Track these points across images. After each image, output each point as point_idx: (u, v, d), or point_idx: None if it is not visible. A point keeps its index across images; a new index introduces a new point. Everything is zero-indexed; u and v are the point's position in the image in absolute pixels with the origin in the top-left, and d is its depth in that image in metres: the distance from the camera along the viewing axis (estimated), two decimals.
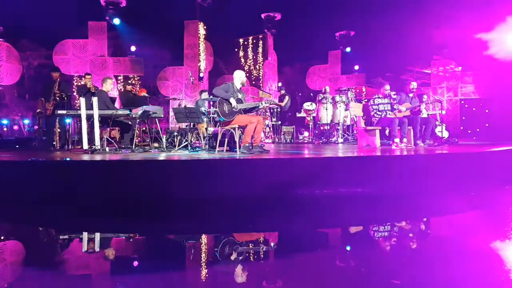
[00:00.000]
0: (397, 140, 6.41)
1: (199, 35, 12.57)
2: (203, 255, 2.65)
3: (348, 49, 15.00)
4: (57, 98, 7.02)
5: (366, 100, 9.81)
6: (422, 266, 2.36)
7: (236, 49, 16.53)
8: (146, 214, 3.77)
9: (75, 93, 10.42)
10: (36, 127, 8.51)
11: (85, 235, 3.24)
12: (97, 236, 3.24)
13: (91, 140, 5.73)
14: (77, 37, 11.77)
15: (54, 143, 6.88)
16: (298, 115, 10.55)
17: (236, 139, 5.51)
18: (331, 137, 9.37)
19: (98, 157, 4.89)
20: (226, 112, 5.45)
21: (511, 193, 4.82)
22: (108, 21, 12.04)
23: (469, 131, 13.40)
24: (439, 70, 13.57)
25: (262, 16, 14.82)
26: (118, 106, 8.17)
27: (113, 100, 7.59)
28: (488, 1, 10.99)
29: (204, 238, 3.15)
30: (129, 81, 13.82)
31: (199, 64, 12.51)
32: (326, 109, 9.35)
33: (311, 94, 11.17)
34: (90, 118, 5.82)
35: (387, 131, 7.14)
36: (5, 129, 23.09)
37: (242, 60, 16.27)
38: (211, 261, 2.52)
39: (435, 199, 4.32)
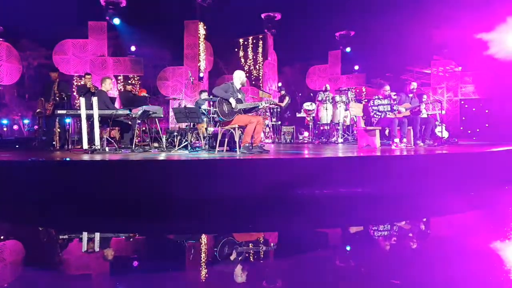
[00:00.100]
0: (397, 140, 6.41)
1: (199, 35, 12.58)
2: (203, 255, 2.64)
3: (348, 49, 15.00)
4: (57, 98, 7.02)
5: (366, 100, 9.82)
6: (422, 266, 2.36)
7: (236, 49, 16.54)
8: (146, 214, 3.77)
9: (75, 93, 10.42)
10: (36, 127, 8.52)
11: (85, 235, 3.24)
12: (97, 236, 3.23)
13: (91, 140, 5.73)
14: (77, 37, 11.77)
15: (54, 143, 6.88)
16: (298, 115, 10.54)
17: (236, 139, 5.51)
18: (331, 137, 9.37)
19: (98, 157, 4.89)
20: (226, 112, 5.45)
21: (511, 193, 4.82)
22: (108, 21, 12.04)
23: (469, 131, 13.40)
24: (439, 70, 13.58)
25: (262, 16, 14.81)
26: (118, 106, 8.17)
27: (113, 100, 7.59)
28: (488, 1, 11.00)
29: (204, 238, 3.15)
30: (129, 81, 13.81)
31: (199, 64, 12.51)
32: (326, 109, 9.35)
33: (311, 94, 11.17)
34: (90, 118, 5.82)
35: (387, 131, 7.14)
36: (5, 129, 23.09)
37: (242, 60, 16.28)
38: (211, 261, 2.52)
39: (435, 199, 4.31)
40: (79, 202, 3.98)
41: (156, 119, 6.65)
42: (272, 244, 3.04)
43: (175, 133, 7.18)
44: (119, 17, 12.23)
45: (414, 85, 7.01)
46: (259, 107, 6.10)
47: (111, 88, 7.31)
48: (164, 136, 6.92)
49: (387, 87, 6.79)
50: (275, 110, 10.38)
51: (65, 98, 7.09)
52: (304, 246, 2.82)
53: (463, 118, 13.68)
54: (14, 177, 4.19)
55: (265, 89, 13.79)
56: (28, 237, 3.19)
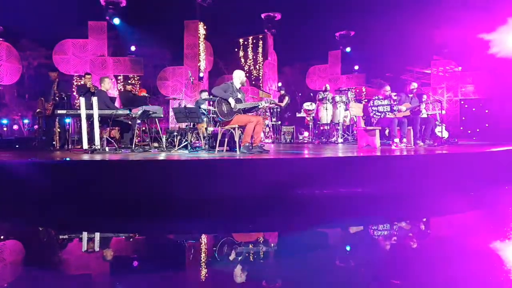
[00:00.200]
0: (397, 140, 6.40)
1: (199, 35, 12.57)
2: (202, 255, 2.64)
3: (348, 49, 15.00)
4: (57, 98, 7.02)
5: (366, 100, 9.82)
6: (422, 266, 2.35)
7: (236, 49, 16.54)
8: (146, 214, 3.77)
9: (74, 93, 10.42)
10: (36, 127, 8.51)
11: (85, 234, 3.24)
12: (97, 236, 3.23)
13: (91, 140, 5.73)
14: (77, 37, 11.76)
15: (54, 143, 6.88)
16: (298, 115, 10.54)
17: (236, 139, 5.50)
18: (331, 137, 9.37)
19: (98, 157, 4.89)
20: (225, 112, 5.45)
21: (511, 193, 4.82)
22: (108, 21, 12.04)
23: (469, 131, 13.40)
24: (439, 70, 13.57)
25: (262, 16, 14.81)
26: (118, 106, 8.17)
27: (113, 99, 7.59)
28: (488, 2, 11.00)
29: (204, 238, 3.15)
30: (129, 81, 13.81)
31: (199, 64, 12.51)
32: (326, 109, 9.35)
33: (311, 94, 11.17)
34: (90, 118, 5.82)
35: (387, 131, 7.14)
36: (5, 128, 23.08)
37: (242, 60, 16.28)
38: (211, 261, 2.52)
39: (435, 199, 4.31)
40: (79, 202, 3.97)
41: (156, 119, 6.65)
42: (272, 244, 3.04)
43: (175, 133, 7.18)
44: (119, 17, 12.23)
45: (414, 85, 7.01)
46: (259, 106, 6.10)
47: (110, 87, 7.31)
48: (164, 136, 6.92)
49: (388, 87, 6.79)
50: (275, 110, 10.38)
51: (65, 98, 7.09)
52: (304, 246, 2.82)
53: (463, 118, 13.67)
54: (13, 177, 4.19)
55: (265, 89, 13.79)
56: (27, 237, 3.18)
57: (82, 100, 5.75)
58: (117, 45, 13.61)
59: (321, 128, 9.84)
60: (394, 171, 4.59)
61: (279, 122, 10.39)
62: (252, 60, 16.01)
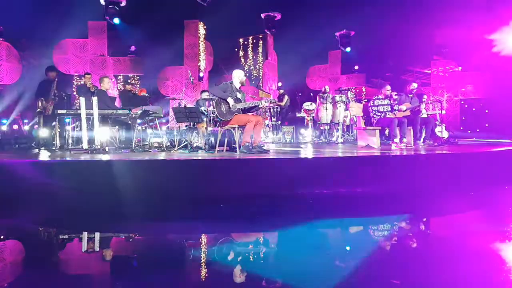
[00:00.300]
0: (396, 140, 6.40)
1: (199, 35, 12.57)
2: (202, 255, 2.64)
3: (348, 49, 14.99)
4: (57, 98, 7.01)
5: (366, 100, 9.82)
6: (422, 266, 2.35)
7: (236, 49, 16.53)
8: (146, 214, 3.77)
9: (74, 93, 10.41)
10: (35, 126, 8.50)
11: (85, 234, 3.24)
12: (97, 235, 3.23)
13: (91, 140, 5.73)
14: (77, 37, 11.76)
15: (54, 142, 6.88)
16: (298, 115, 10.54)
17: (236, 139, 5.50)
18: (331, 137, 9.37)
19: (98, 157, 4.89)
20: (224, 112, 5.43)
21: (511, 193, 4.82)
22: (108, 21, 12.03)
23: (469, 131, 13.39)
24: (439, 70, 13.57)
25: (262, 16, 14.79)
26: (118, 106, 8.16)
27: (113, 99, 7.59)
28: (489, 2, 10.99)
29: (203, 238, 3.15)
30: (129, 81, 13.80)
31: (199, 64, 12.50)
32: (326, 109, 9.35)
33: (311, 94, 11.17)
34: (90, 117, 5.81)
35: (387, 131, 7.14)
36: (4, 128, 23.04)
37: (242, 60, 16.26)
38: (211, 261, 2.52)
39: (435, 199, 4.31)
40: (78, 201, 3.97)
41: (156, 119, 6.65)
42: (272, 244, 3.04)
43: (175, 133, 7.18)
44: (119, 17, 12.22)
45: (414, 85, 7.01)
46: (259, 106, 6.09)
47: (110, 87, 7.31)
48: (164, 136, 6.92)
49: (388, 87, 6.79)
50: (275, 110, 10.37)
51: (65, 97, 7.09)
52: (304, 246, 2.81)
53: (463, 118, 13.66)
54: (13, 177, 4.19)
55: (265, 89, 13.78)
56: (27, 237, 3.18)
57: (82, 100, 5.75)
58: (117, 45, 13.59)
59: (321, 128, 9.84)
60: (394, 171, 4.59)
61: (279, 122, 10.39)
62: (252, 60, 16.01)
